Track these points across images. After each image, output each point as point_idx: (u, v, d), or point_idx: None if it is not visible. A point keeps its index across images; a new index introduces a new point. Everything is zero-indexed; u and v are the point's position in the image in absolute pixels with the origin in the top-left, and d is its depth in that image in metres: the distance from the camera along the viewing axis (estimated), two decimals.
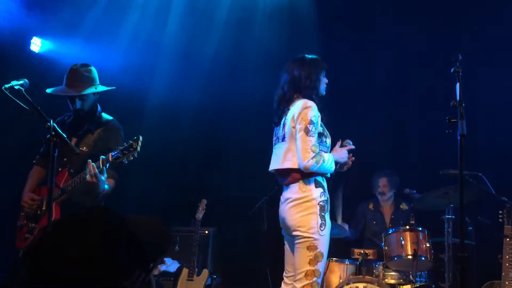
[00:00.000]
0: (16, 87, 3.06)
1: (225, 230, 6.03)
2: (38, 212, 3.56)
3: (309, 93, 3.41)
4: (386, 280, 4.71)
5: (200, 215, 5.37)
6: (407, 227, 4.68)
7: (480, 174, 4.56)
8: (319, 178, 3.32)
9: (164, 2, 6.14)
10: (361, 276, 4.60)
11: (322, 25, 6.12)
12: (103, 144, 3.59)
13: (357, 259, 4.76)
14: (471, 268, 4.97)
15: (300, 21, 6.13)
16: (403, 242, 4.57)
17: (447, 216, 4.58)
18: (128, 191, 5.45)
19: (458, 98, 2.78)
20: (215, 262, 5.70)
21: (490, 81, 5.59)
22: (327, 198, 3.32)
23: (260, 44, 6.21)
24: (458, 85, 2.83)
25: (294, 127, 3.31)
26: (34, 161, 3.84)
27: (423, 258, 4.52)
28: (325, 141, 3.40)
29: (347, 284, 4.50)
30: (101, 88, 3.68)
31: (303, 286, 3.19)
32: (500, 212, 4.42)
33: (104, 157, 3.35)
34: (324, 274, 4.05)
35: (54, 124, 2.98)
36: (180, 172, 6.36)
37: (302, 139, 3.25)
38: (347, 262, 4.79)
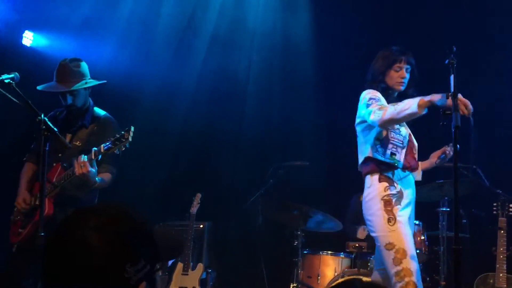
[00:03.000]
0: (6, 81, 3.02)
1: (220, 224, 6.01)
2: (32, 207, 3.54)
3: (368, 86, 3.35)
4: None
5: (194, 209, 5.35)
6: None
7: (474, 166, 4.56)
8: (387, 173, 3.23)
9: None
10: (355, 269, 4.60)
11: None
12: (97, 138, 3.55)
13: (352, 253, 4.75)
14: (465, 261, 4.96)
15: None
16: None
17: (442, 209, 4.58)
18: (122, 184, 5.42)
19: (452, 90, 2.76)
20: (210, 256, 5.67)
21: (485, 74, 5.57)
22: (397, 191, 3.21)
23: (256, 32, 6.15)
24: (452, 77, 2.81)
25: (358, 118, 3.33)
26: (24, 159, 3.78)
27: (418, 251, 4.51)
28: (398, 129, 3.28)
29: (342, 277, 4.50)
30: (91, 83, 3.63)
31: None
32: (495, 204, 4.43)
33: (96, 148, 3.33)
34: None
35: (45, 118, 2.95)
36: (174, 165, 6.33)
37: (364, 112, 3.21)
38: (342, 256, 4.79)
